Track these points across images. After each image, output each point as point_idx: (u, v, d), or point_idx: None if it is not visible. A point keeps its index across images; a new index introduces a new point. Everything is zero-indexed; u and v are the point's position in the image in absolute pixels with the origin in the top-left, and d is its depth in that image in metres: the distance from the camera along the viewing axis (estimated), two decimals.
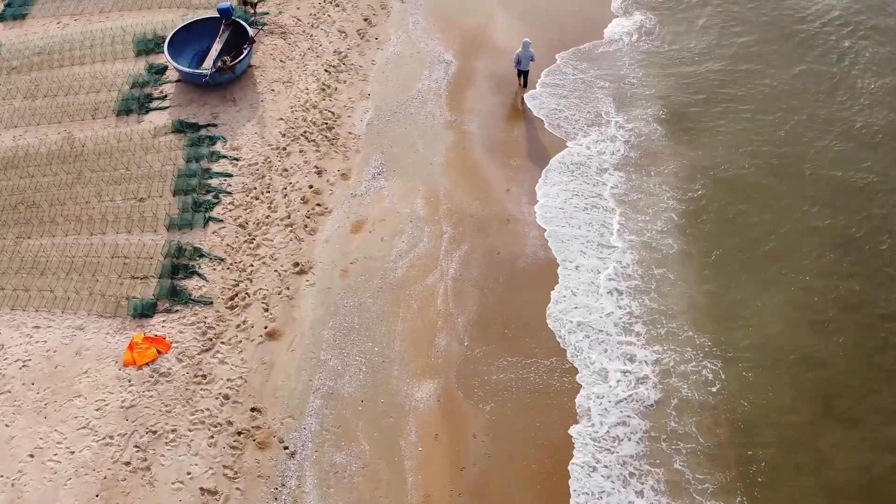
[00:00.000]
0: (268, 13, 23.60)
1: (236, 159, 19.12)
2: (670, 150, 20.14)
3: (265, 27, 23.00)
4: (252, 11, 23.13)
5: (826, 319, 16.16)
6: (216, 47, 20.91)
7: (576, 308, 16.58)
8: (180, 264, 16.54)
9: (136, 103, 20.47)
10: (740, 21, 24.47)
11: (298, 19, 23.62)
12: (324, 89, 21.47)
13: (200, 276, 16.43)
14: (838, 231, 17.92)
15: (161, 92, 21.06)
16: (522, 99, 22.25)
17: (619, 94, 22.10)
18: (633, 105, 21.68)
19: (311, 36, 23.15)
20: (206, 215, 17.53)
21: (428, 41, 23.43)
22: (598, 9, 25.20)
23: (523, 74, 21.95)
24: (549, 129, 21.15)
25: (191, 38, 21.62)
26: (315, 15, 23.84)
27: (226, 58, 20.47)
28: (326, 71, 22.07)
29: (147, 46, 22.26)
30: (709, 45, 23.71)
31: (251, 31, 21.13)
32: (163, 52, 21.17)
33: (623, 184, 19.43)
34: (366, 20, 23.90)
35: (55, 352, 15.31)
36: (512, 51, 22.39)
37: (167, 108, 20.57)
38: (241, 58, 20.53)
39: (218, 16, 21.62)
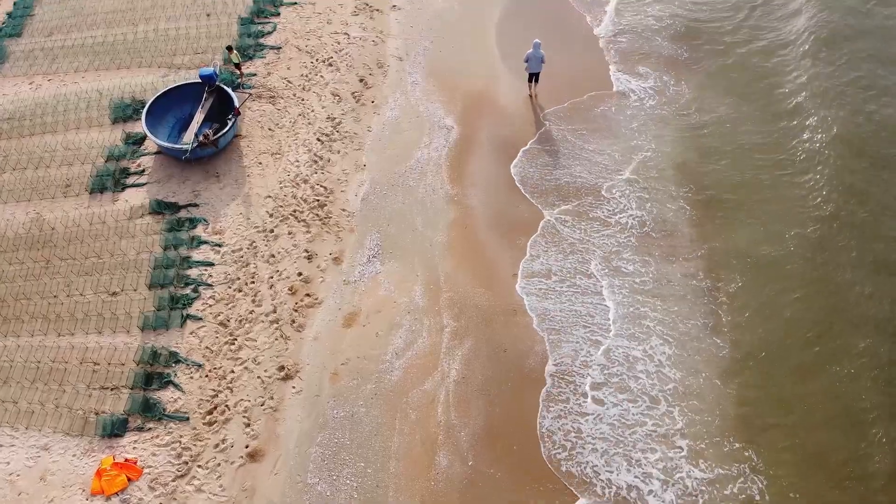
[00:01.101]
0: (255, 75, 22.86)
1: (219, 245, 18.25)
2: (691, 227, 19.18)
3: (252, 91, 22.18)
4: (238, 73, 22.37)
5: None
6: (198, 118, 20.17)
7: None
8: (154, 372, 15.59)
9: (111, 179, 19.70)
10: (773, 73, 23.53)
11: (289, 81, 22.85)
12: (316, 161, 20.63)
13: (176, 386, 15.49)
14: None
15: (139, 166, 20.28)
16: (535, 96, 23.37)
17: (630, 159, 21.43)
18: (646, 172, 20.88)
19: (303, 100, 22.36)
20: (184, 313, 16.61)
21: (427, 104, 22.64)
22: (603, 66, 24.36)
23: (534, 76, 22.54)
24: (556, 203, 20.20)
25: (171, 104, 20.95)
26: (307, 76, 23.07)
27: (208, 131, 19.64)
28: (319, 140, 21.26)
29: (124, 113, 21.53)
30: (728, 94, 22.87)
31: (236, 101, 20.35)
32: (142, 116, 20.52)
33: (639, 267, 18.34)
34: (361, 81, 23.13)
35: (18, 475, 14.41)
36: (516, 112, 22.27)
37: (145, 184, 19.70)
38: (224, 131, 19.78)
39: (200, 82, 20.62)
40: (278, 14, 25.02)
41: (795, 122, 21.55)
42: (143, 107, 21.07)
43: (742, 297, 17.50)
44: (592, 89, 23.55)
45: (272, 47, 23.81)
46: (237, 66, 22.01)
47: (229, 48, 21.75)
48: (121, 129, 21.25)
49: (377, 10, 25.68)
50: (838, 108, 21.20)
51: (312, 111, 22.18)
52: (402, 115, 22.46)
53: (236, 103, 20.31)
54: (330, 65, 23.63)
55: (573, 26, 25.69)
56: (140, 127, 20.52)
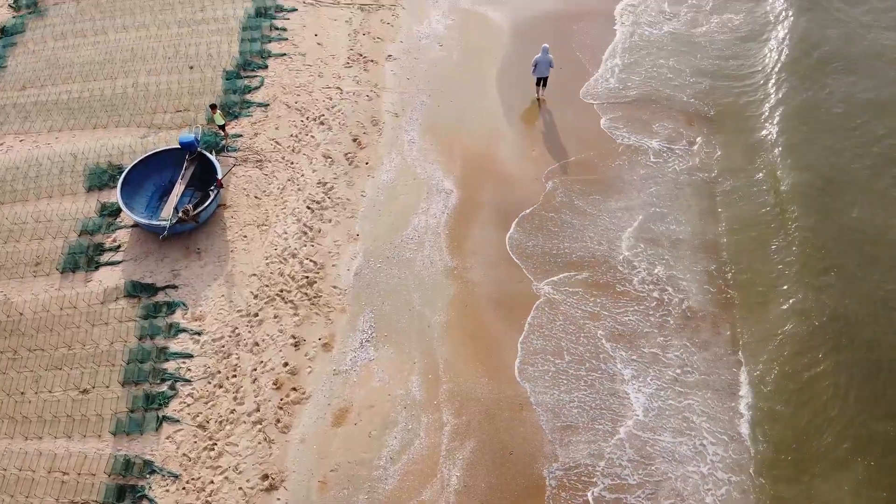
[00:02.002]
0: (241, 136, 22.15)
1: (198, 333, 17.39)
2: (712, 303, 18.50)
3: (238, 153, 21.44)
4: (223, 134, 21.62)
5: None
6: (178, 190, 19.44)
7: None
8: (127, 485, 14.65)
9: (83, 257, 18.94)
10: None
11: (277, 143, 22.11)
12: (305, 232, 19.85)
13: (151, 501, 14.59)
14: None
15: (114, 240, 19.53)
16: (543, 102, 24.02)
17: (643, 225, 20.74)
18: (662, 240, 20.22)
19: (292, 164, 21.64)
20: (160, 414, 15.69)
21: (425, 165, 21.90)
22: (609, 120, 23.84)
23: (542, 80, 23.23)
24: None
25: (150, 171, 20.54)
26: (296, 136, 22.34)
27: (188, 206, 18.86)
28: (309, 208, 20.49)
29: (100, 180, 20.85)
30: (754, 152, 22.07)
31: (219, 171, 19.71)
32: (117, 189, 19.85)
33: (658, 350, 17.68)
34: (355, 140, 22.40)
35: None
36: (519, 171, 21.71)
37: (120, 262, 18.90)
38: (206, 204, 19.00)
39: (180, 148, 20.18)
40: (266, 67, 24.28)
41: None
42: (120, 173, 20.45)
43: (776, 382, 16.51)
44: (599, 145, 22.91)
45: (259, 104, 23.10)
46: (221, 127, 21.22)
47: (212, 107, 21.06)
48: (95, 199, 20.46)
49: (372, 60, 25.02)
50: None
51: (302, 176, 21.40)
52: (398, 178, 21.70)
53: (219, 174, 19.52)
54: (321, 123, 22.89)
55: (577, 77, 24.79)
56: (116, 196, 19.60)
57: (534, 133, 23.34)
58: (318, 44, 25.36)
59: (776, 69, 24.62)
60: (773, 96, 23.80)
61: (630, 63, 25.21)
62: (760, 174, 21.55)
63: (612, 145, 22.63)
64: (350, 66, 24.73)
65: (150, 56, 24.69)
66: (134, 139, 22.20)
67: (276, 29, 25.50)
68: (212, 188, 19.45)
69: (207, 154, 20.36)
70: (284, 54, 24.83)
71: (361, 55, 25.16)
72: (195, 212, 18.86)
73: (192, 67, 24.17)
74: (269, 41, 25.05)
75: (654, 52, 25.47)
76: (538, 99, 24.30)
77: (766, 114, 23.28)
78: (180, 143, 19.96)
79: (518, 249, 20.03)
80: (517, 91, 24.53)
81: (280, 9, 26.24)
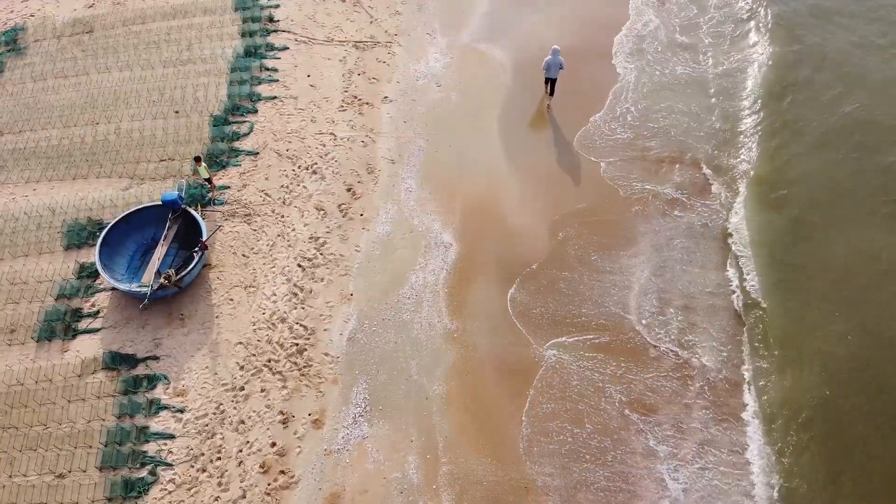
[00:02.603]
0: (228, 187, 21.44)
1: (180, 411, 16.61)
2: (733, 369, 17.86)
3: (224, 207, 20.70)
4: (210, 186, 20.90)
5: None
6: (160, 252, 18.72)
7: None
8: None
9: (60, 324, 18.14)
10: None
11: (267, 194, 21.38)
12: (295, 294, 19.08)
13: None
14: None
15: (92, 305, 18.77)
16: (548, 106, 24.28)
17: (663, 283, 20.04)
18: (684, 300, 19.61)
19: (283, 217, 20.90)
20: None
21: (423, 215, 21.18)
22: (619, 169, 23.21)
23: (551, 82, 23.71)
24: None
25: (131, 229, 19.96)
26: (287, 187, 21.60)
27: (170, 271, 18.12)
28: (300, 266, 19.75)
29: (79, 238, 20.17)
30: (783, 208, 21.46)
31: (204, 231, 19.28)
32: (96, 251, 19.23)
33: (676, 433, 16.99)
34: (349, 190, 21.69)
35: None
36: (522, 222, 21.33)
37: (99, 329, 18.11)
38: (189, 268, 18.28)
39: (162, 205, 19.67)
40: (256, 111, 23.58)
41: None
42: (101, 230, 19.98)
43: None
44: (605, 193, 22.31)
45: (249, 153, 22.42)
46: (207, 179, 20.53)
47: (197, 159, 20.40)
48: (74, 259, 19.72)
49: (367, 103, 24.35)
50: None
51: (293, 230, 20.67)
52: (394, 231, 20.99)
53: (204, 234, 18.79)
54: (314, 172, 22.20)
55: (581, 120, 24.63)
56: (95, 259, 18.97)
57: (537, 180, 22.70)
58: (311, 85, 24.67)
59: (789, 111, 23.83)
60: (788, 140, 23.03)
61: (636, 104, 24.58)
62: (778, 223, 20.94)
63: (618, 193, 22.19)
64: (344, 110, 24.04)
65: (133, 99, 24.00)
66: (115, 191, 21.47)
67: (267, 69, 24.83)
68: (196, 249, 18.71)
69: (192, 211, 19.55)
70: (275, 97, 24.15)
71: (356, 97, 24.47)
72: (178, 277, 18.10)
73: (177, 112, 23.52)
74: (260, 83, 24.34)
75: (661, 92, 24.84)
76: (547, 105, 24.73)
77: (783, 161, 22.42)
78: (163, 201, 19.25)
79: (521, 311, 19.39)
80: (519, 135, 23.99)
81: (271, 47, 25.59)
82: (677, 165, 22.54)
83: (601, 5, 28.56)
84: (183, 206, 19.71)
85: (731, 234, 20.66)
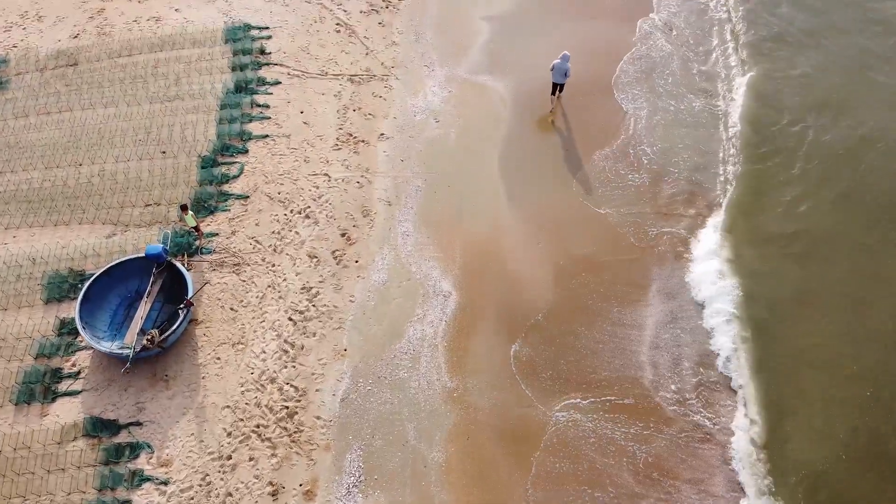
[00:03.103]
0: (217, 234, 20.79)
1: (164, 483, 15.93)
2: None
3: (212, 256, 20.06)
4: (197, 233, 20.23)
5: None
6: (143, 311, 18.05)
7: None
8: None
9: (40, 385, 17.51)
10: None
11: (257, 242, 20.71)
12: (286, 351, 18.42)
13: None
14: None
15: (73, 365, 18.16)
16: (553, 112, 24.76)
17: (669, 342, 19.39)
18: (694, 361, 19.03)
19: (273, 266, 20.23)
20: None
21: (421, 262, 20.54)
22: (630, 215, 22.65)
23: (558, 87, 24.04)
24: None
25: (114, 283, 19.33)
26: (279, 233, 20.94)
27: (154, 332, 17.42)
28: (291, 319, 19.06)
29: (60, 291, 19.55)
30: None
31: (190, 287, 18.81)
32: (76, 308, 18.54)
33: None
34: (344, 235, 21.04)
35: None
36: (525, 269, 20.86)
37: (80, 392, 17.43)
38: (174, 328, 17.59)
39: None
40: (246, 151, 22.94)
41: None
42: (82, 282, 19.46)
43: None
44: (611, 238, 21.74)
45: (238, 196, 21.78)
46: (195, 228, 19.86)
47: (183, 208, 19.76)
48: (54, 314, 19.04)
49: (363, 140, 23.70)
50: None
51: (284, 280, 19.99)
52: (390, 278, 20.33)
53: (189, 290, 18.15)
54: (307, 216, 21.54)
55: (584, 159, 24.08)
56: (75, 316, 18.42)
57: (540, 222, 22.17)
58: (304, 122, 24.03)
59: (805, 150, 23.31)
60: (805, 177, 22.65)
61: (642, 140, 24.04)
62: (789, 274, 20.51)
63: (625, 237, 21.67)
64: (339, 149, 23.40)
65: (118, 139, 23.41)
66: (98, 239, 20.83)
67: (258, 106, 24.22)
68: (181, 306, 18.01)
69: (178, 264, 18.88)
70: (267, 136, 23.52)
71: (351, 135, 23.85)
72: (161, 338, 17.40)
73: (164, 152, 22.81)
74: (251, 120, 23.71)
75: (669, 129, 24.30)
76: (551, 111, 25.17)
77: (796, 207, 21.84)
78: (147, 255, 18.56)
79: (525, 367, 18.85)
80: (521, 174, 23.42)
81: (262, 82, 24.96)
82: (686, 207, 21.72)
83: (604, 32, 28.17)
84: (168, 258, 18.89)
85: (741, 288, 20.02)
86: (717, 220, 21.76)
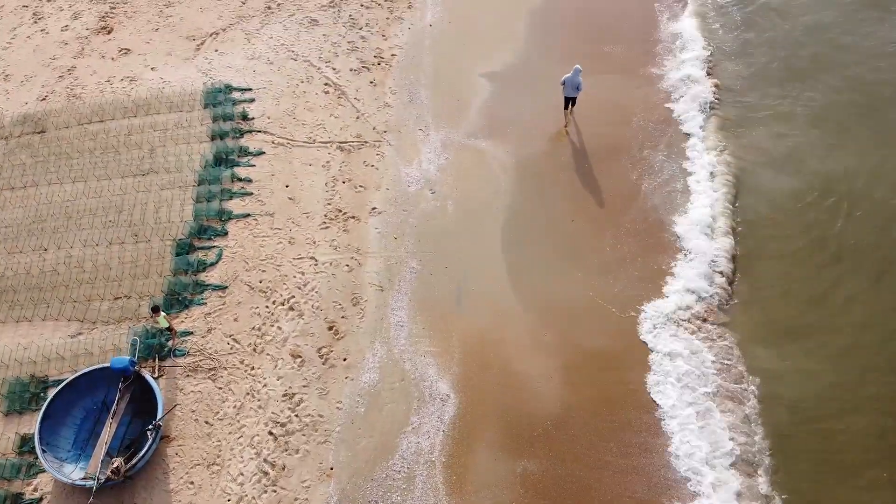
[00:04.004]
0: (192, 333, 19.33)
1: None
2: None
3: (186, 358, 18.71)
4: (171, 332, 18.81)
5: None
6: (108, 434, 16.63)
7: None
8: None
9: None
10: None
11: (235, 341, 19.31)
12: (266, 472, 17.14)
13: None
14: None
15: (35, 490, 16.86)
16: (568, 125, 24.99)
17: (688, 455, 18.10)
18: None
19: (253, 370, 18.83)
20: None
21: (415, 358, 19.36)
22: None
23: (570, 101, 24.07)
24: None
25: (77, 396, 18.15)
26: (259, 330, 19.55)
27: (119, 461, 15.96)
28: (271, 434, 17.73)
29: (21, 402, 18.40)
30: None
31: (160, 406, 17.49)
32: (35, 430, 17.34)
33: None
34: (331, 328, 19.73)
35: None
36: (530, 367, 19.64)
37: None
38: (141, 454, 16.17)
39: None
40: (225, 234, 21.53)
41: None
42: (44, 390, 18.53)
43: None
44: (626, 341, 20.46)
45: (216, 287, 20.40)
46: (167, 328, 18.71)
47: (154, 310, 18.33)
48: (14, 428, 17.81)
49: (353, 217, 22.34)
50: None
51: (265, 386, 18.61)
52: (382, 380, 19.02)
53: (159, 411, 16.77)
54: (291, 308, 20.14)
55: (593, 248, 22.78)
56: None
57: (547, 310, 20.88)
58: (290, 198, 22.67)
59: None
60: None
61: (656, 218, 22.98)
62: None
63: (641, 349, 20.19)
64: (327, 227, 22.01)
65: (87, 219, 22.10)
66: (63, 339, 19.53)
67: (239, 180, 22.83)
68: (149, 427, 16.58)
69: (147, 376, 17.47)
70: (248, 215, 22.17)
71: (341, 211, 22.45)
72: (127, 466, 15.95)
73: (136, 236, 21.41)
74: (231, 197, 22.35)
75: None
76: (565, 125, 25.12)
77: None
78: (112, 369, 17.13)
79: (535, 487, 17.46)
80: (525, 252, 22.12)
81: (245, 152, 23.60)
82: (707, 313, 20.29)
83: (616, 89, 26.94)
84: (136, 369, 17.46)
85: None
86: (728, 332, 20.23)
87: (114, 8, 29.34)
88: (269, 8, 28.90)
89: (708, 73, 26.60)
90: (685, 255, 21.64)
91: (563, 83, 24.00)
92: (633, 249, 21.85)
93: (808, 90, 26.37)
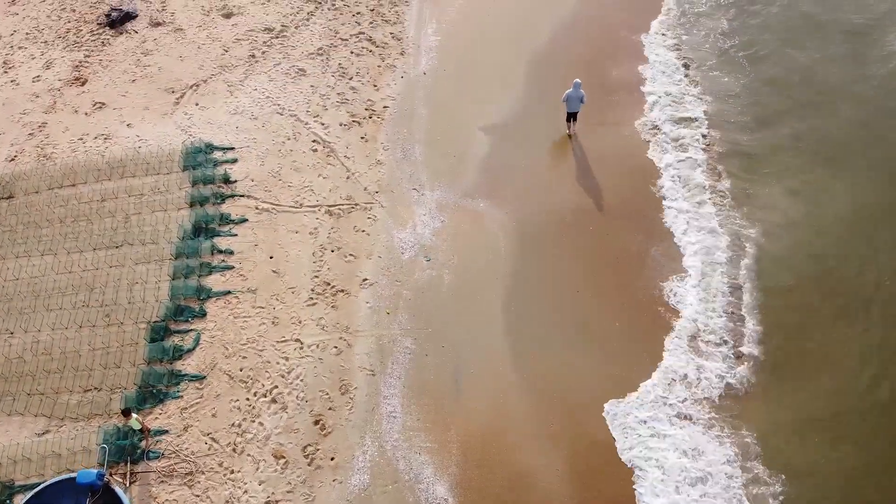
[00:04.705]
0: (167, 432, 18.16)
1: None
2: None
3: (160, 461, 17.54)
4: (144, 432, 17.56)
5: None
6: None
7: None
8: None
9: None
10: None
11: (213, 440, 18.15)
12: None
13: None
14: None
15: None
16: (574, 135, 25.59)
17: None
18: None
19: (232, 473, 17.82)
20: None
21: (410, 455, 18.59)
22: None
23: (572, 115, 24.53)
24: None
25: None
26: (239, 426, 18.44)
27: None
28: None
29: None
30: None
31: None
32: None
33: None
34: (317, 423, 19.02)
35: None
36: (536, 467, 18.45)
37: None
38: None
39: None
40: (204, 315, 20.29)
41: None
42: (10, 496, 17.44)
43: None
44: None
45: (193, 378, 19.22)
46: (144, 429, 18.13)
47: (125, 412, 17.18)
48: None
49: (342, 290, 21.15)
50: None
51: (245, 492, 17.67)
52: (373, 482, 18.08)
53: None
54: (274, 401, 18.99)
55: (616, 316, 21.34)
56: None
57: (555, 395, 19.74)
58: (274, 271, 21.41)
59: None
60: None
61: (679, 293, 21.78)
62: None
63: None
64: (314, 303, 20.77)
65: (56, 299, 21.07)
66: (30, 437, 18.68)
67: (220, 252, 21.65)
68: None
69: (117, 490, 16.33)
70: (229, 292, 20.96)
71: (329, 284, 21.23)
72: None
73: (108, 317, 20.14)
74: (210, 272, 21.19)
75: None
76: (568, 135, 25.67)
77: None
78: (78, 483, 15.90)
79: None
80: (527, 328, 20.95)
81: (226, 220, 22.40)
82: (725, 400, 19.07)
83: (620, 142, 25.97)
84: (105, 480, 16.23)
85: None
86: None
87: (88, 56, 27.91)
88: (254, 56, 27.42)
89: (706, 129, 25.23)
90: (699, 332, 20.38)
91: (566, 100, 24.23)
92: (642, 326, 20.74)
93: (816, 132, 25.11)
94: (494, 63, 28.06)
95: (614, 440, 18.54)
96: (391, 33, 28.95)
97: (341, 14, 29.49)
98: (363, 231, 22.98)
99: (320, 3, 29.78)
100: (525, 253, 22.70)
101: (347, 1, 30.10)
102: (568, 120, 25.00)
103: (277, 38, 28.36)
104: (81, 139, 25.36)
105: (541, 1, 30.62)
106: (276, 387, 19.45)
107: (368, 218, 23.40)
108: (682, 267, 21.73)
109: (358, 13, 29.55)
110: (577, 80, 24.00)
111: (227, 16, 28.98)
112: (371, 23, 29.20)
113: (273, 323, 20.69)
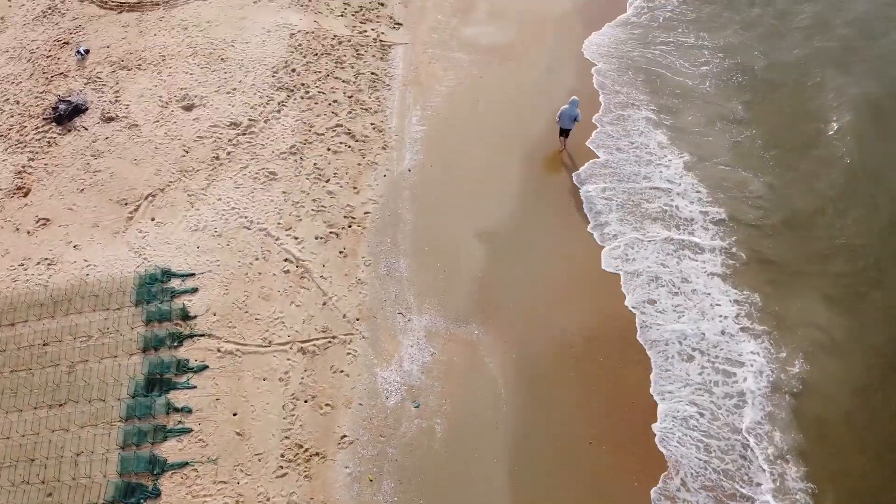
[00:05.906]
0: None
1: None
2: None
3: None
4: None
5: None
6: None
7: None
8: None
9: None
10: None
11: None
12: None
13: None
14: None
15: None
16: (564, 151, 26.05)
17: None
18: None
19: None
20: None
21: None
22: None
23: (565, 132, 25.12)
24: None
25: None
26: None
27: None
28: None
29: None
30: None
31: None
32: None
33: None
34: None
35: None
36: None
37: None
38: None
39: None
40: (158, 495, 18.11)
41: None
42: None
43: None
44: None
45: None
46: None
47: None
48: None
49: (316, 454, 19.45)
50: None
51: None
52: None
53: None
54: None
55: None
56: None
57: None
58: (238, 433, 19.09)
59: None
60: None
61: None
62: None
63: None
64: (284, 473, 18.51)
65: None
66: None
67: (176, 411, 19.16)
68: None
69: None
70: (186, 463, 18.60)
71: (301, 446, 18.92)
72: None
73: (50, 496, 18.07)
74: (165, 437, 18.94)
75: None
76: (560, 151, 26.22)
77: None
78: None
79: None
80: (535, 494, 18.85)
81: (184, 368, 20.03)
82: None
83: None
84: None
85: None
86: None
87: (32, 159, 25.43)
88: (217, 158, 24.92)
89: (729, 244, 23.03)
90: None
91: (560, 116, 24.82)
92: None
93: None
94: (486, 155, 25.62)
95: None
96: (372, 124, 26.38)
97: (316, 104, 26.89)
98: (341, 371, 20.59)
99: (292, 90, 27.11)
100: (527, 395, 20.70)
101: (322, 87, 27.36)
102: (561, 135, 25.57)
103: (245, 134, 25.74)
104: (23, 265, 22.92)
105: (534, 87, 27.99)
106: None
107: (348, 353, 20.99)
108: None
109: (335, 101, 26.97)
110: (575, 97, 24.62)
111: (188, 108, 26.37)
112: (350, 112, 26.64)
113: (237, 503, 18.10)
